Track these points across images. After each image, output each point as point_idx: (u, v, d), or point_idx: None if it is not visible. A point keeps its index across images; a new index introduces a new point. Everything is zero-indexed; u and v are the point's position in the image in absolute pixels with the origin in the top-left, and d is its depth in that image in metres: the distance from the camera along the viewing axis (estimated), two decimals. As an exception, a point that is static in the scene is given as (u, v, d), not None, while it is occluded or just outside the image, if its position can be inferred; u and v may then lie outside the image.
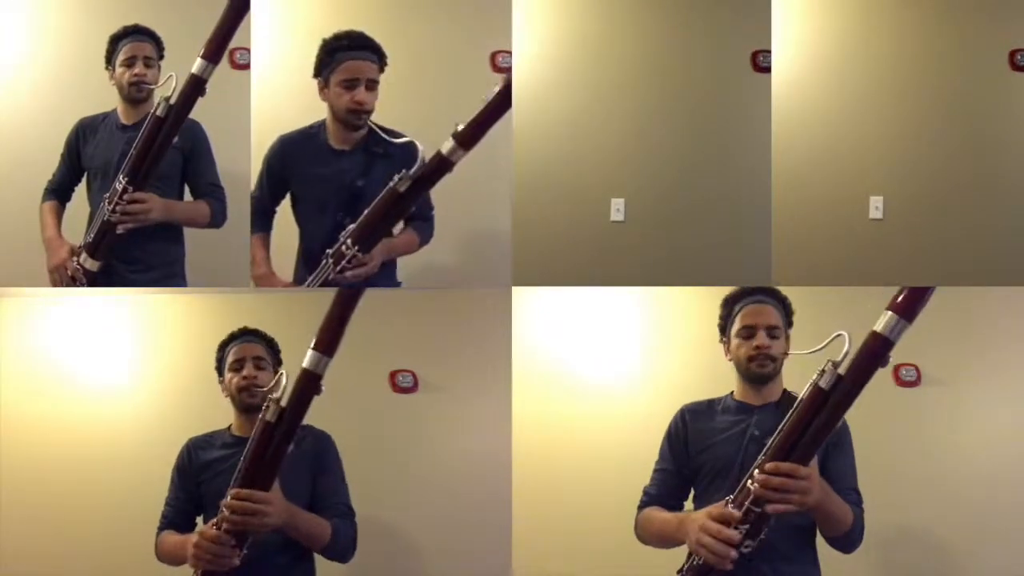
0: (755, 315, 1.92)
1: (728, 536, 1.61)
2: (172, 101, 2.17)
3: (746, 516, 1.61)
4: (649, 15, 3.16)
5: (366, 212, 2.07)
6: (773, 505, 1.58)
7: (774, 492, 1.57)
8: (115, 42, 2.36)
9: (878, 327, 1.52)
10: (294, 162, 2.30)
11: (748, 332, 1.91)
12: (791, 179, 3.09)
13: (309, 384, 1.68)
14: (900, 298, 1.51)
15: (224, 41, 2.13)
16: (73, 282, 2.34)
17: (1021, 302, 2.73)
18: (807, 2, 3.16)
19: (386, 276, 2.35)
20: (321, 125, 2.30)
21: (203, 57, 2.12)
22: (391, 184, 2.02)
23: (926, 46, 3.14)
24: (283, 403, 1.70)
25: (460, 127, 1.94)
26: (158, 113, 2.18)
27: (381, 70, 2.22)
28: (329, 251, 2.11)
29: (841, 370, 1.55)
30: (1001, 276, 3.06)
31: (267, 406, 1.71)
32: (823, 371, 1.56)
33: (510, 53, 2.95)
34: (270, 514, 1.72)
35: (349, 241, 2.08)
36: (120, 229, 2.26)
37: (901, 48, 3.15)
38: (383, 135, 2.15)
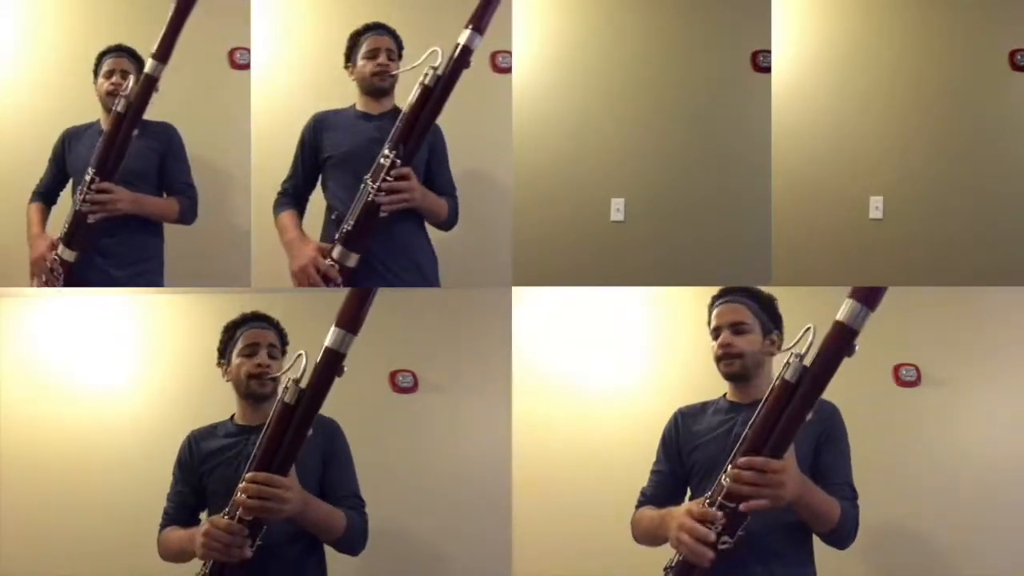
0: (720, 315, 1.94)
1: (703, 534, 1.60)
2: (130, 98, 2.34)
3: (721, 512, 1.61)
4: (649, 15, 3.16)
5: (401, 114, 2.17)
6: (746, 502, 1.56)
7: (746, 487, 1.56)
8: (100, 57, 2.56)
9: (840, 316, 1.51)
10: (324, 128, 2.39)
11: (715, 332, 1.94)
12: (791, 179, 3.09)
13: (332, 364, 1.59)
14: (862, 286, 1.50)
15: (171, 43, 2.29)
16: (51, 273, 2.43)
17: (1021, 302, 2.73)
18: (807, 2, 3.16)
19: (430, 267, 2.43)
20: (352, 105, 2.41)
21: (153, 57, 2.29)
22: (420, 81, 2.15)
23: (926, 46, 3.14)
24: (303, 385, 1.63)
25: (472, 19, 2.13)
26: (118, 110, 2.35)
27: (399, 52, 2.38)
28: (368, 175, 2.16)
29: (807, 362, 1.54)
30: (1001, 276, 3.06)
31: (286, 387, 1.63)
32: (788, 363, 1.56)
33: (510, 53, 2.95)
34: (289, 500, 1.66)
35: (387, 150, 2.15)
36: (91, 219, 2.35)
37: (901, 48, 3.15)
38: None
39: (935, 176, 3.14)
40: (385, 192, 2.15)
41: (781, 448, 1.57)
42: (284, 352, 2.08)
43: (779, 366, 1.91)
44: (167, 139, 2.54)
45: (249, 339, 2.01)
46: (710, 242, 3.14)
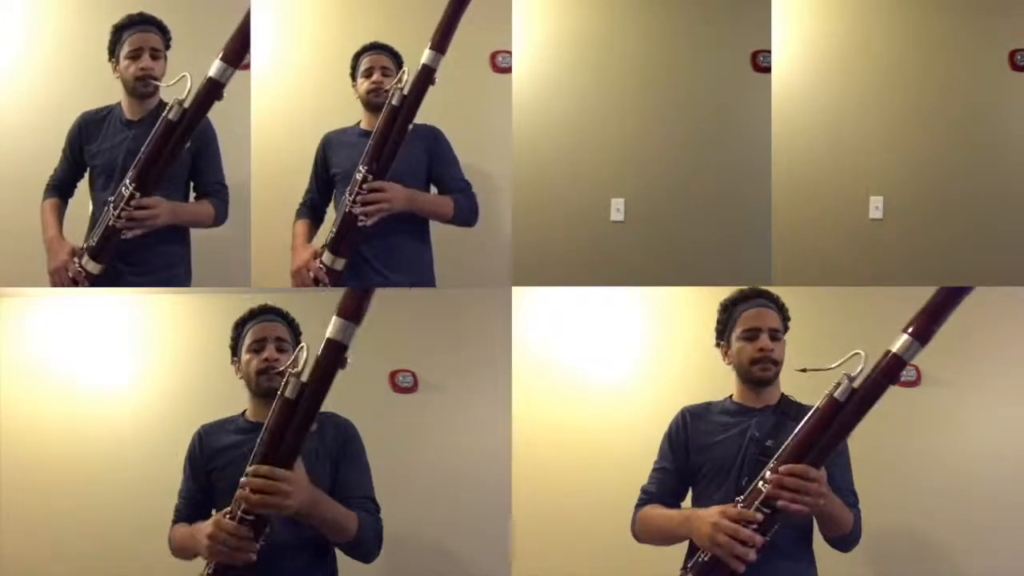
0: (757, 318, 1.94)
1: (746, 536, 1.66)
2: (186, 105, 2.07)
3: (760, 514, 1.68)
4: (649, 15, 3.16)
5: (372, 133, 2.25)
6: (785, 503, 1.64)
7: (787, 492, 1.64)
8: (119, 32, 2.22)
9: (895, 348, 1.64)
10: (331, 148, 2.48)
11: (751, 334, 1.93)
12: (791, 179, 3.09)
13: (334, 356, 1.51)
14: (916, 322, 1.63)
15: (245, 44, 2.06)
16: (74, 284, 2.23)
17: (1021, 302, 2.73)
18: (807, 2, 3.16)
19: (424, 269, 2.47)
20: (357, 123, 2.47)
21: (222, 60, 2.04)
22: (387, 102, 2.23)
23: (926, 46, 3.14)
24: (304, 378, 1.56)
25: (433, 40, 2.19)
26: (170, 117, 2.07)
27: (398, 66, 2.42)
28: (347, 189, 2.25)
29: (856, 384, 1.65)
30: (1001, 276, 3.06)
31: (286, 382, 1.56)
32: (839, 384, 1.66)
33: (510, 53, 2.95)
34: (291, 493, 1.58)
35: (361, 166, 2.23)
36: (127, 235, 2.16)
37: (901, 48, 3.15)
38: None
39: (935, 176, 3.14)
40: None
41: (821, 461, 1.67)
42: (297, 345, 1.95)
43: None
44: (202, 135, 2.27)
45: (256, 334, 1.96)
46: (710, 242, 3.14)
